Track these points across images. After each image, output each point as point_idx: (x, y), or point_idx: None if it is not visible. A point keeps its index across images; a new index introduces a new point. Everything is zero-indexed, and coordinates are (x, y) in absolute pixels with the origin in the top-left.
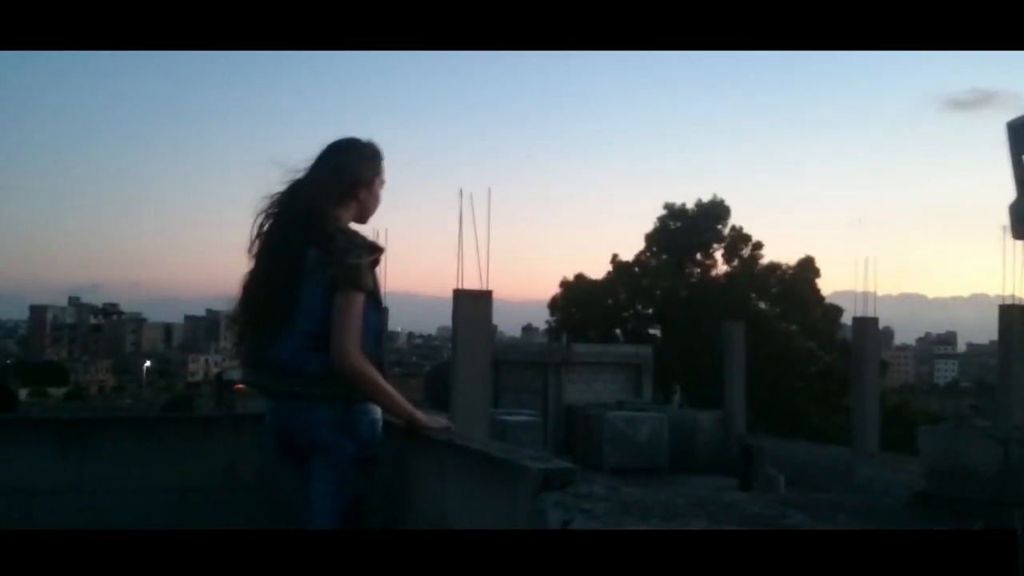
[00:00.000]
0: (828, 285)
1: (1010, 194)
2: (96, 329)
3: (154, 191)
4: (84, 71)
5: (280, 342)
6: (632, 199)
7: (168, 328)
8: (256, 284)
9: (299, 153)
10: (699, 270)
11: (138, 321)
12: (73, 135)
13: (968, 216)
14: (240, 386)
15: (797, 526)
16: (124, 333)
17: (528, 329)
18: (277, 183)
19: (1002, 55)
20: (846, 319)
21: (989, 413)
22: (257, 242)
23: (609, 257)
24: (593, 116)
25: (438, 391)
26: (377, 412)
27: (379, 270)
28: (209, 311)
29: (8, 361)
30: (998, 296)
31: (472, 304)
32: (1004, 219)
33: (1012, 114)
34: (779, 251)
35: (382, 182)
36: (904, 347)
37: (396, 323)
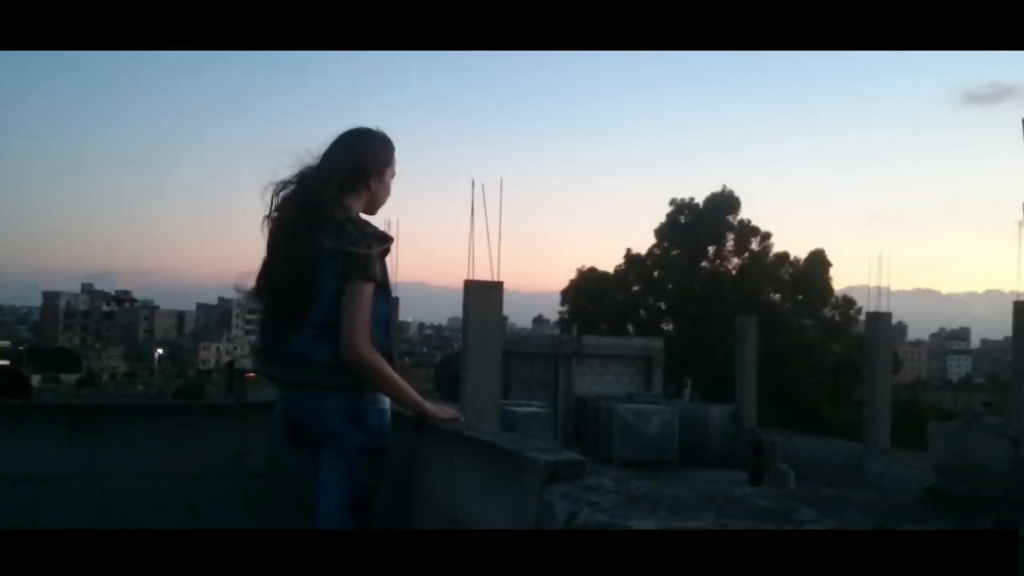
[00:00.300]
0: (842, 280)
1: None
2: (109, 316)
3: (167, 180)
4: (99, 62)
5: (291, 332)
6: (645, 191)
7: (180, 316)
8: (268, 274)
9: (312, 143)
10: (710, 263)
11: (150, 309)
12: (87, 125)
13: (984, 211)
14: (251, 374)
15: (804, 522)
16: (137, 320)
17: (539, 320)
18: (288, 172)
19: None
20: (860, 314)
21: (1003, 409)
22: (268, 231)
23: (621, 250)
24: (607, 109)
25: (448, 382)
26: (386, 402)
27: (389, 260)
28: (221, 299)
29: (21, 347)
30: (1013, 292)
31: (483, 295)
32: (1020, 214)
33: None
34: (793, 246)
35: (393, 173)
36: (917, 343)
37: (407, 313)
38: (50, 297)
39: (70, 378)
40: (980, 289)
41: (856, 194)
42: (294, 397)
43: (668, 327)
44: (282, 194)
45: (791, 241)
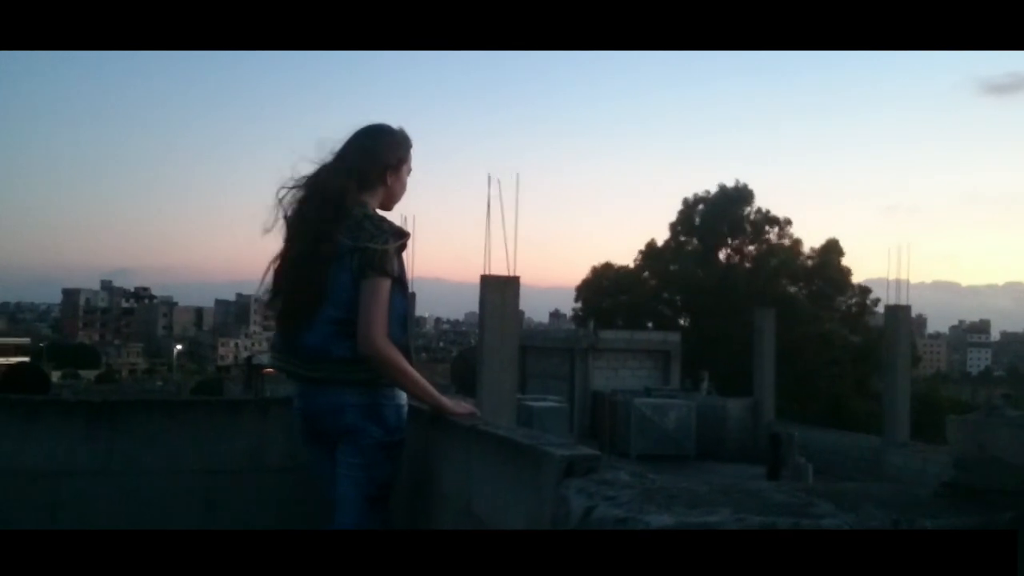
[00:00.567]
0: (860, 273)
1: None
2: (128, 312)
3: (186, 178)
4: (119, 61)
5: (308, 327)
6: (663, 185)
7: (199, 312)
8: (285, 269)
9: (328, 140)
10: (726, 256)
11: (169, 305)
12: (107, 124)
13: (1004, 203)
14: (269, 370)
15: (820, 516)
16: (156, 317)
17: (555, 315)
18: (305, 167)
19: None
20: (879, 307)
21: (1022, 402)
22: (284, 226)
23: (638, 244)
24: (623, 104)
25: (465, 376)
26: (403, 397)
27: (406, 255)
28: (239, 295)
29: (41, 344)
30: None
31: (500, 290)
32: None
33: None
34: (810, 238)
35: (409, 169)
36: (937, 335)
37: (424, 308)
38: (70, 294)
39: (90, 374)
40: (1000, 282)
41: (874, 186)
42: (311, 393)
43: (685, 322)
44: (299, 189)
45: (809, 234)
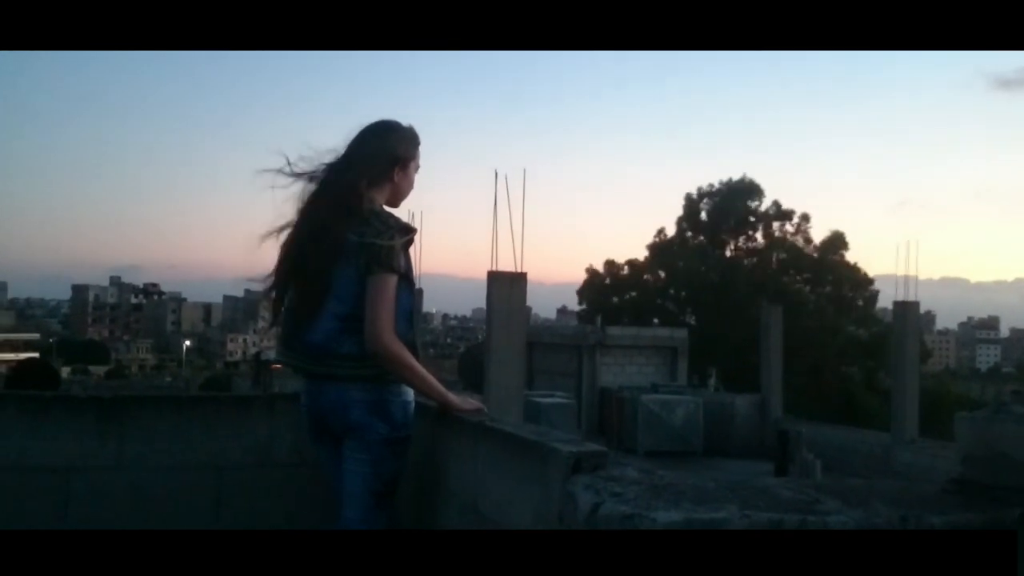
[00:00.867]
0: (869, 268)
1: None
2: (137, 309)
3: (194, 174)
4: (125, 58)
5: (314, 323)
6: (670, 181)
7: (208, 308)
8: (291, 265)
9: (335, 137)
10: (731, 251)
11: (178, 301)
12: (114, 119)
13: (1013, 198)
14: (277, 366)
15: (827, 513)
16: (164, 313)
17: (563, 311)
18: (310, 163)
19: None
20: (887, 303)
21: None
22: (293, 222)
23: (644, 240)
24: (630, 99)
25: (472, 373)
26: (410, 393)
27: (413, 251)
28: (248, 292)
29: (51, 340)
30: None
31: (507, 286)
32: None
33: None
34: (818, 233)
35: (417, 166)
36: (946, 331)
37: (431, 304)
38: (79, 290)
39: (99, 370)
40: (1009, 278)
41: (883, 181)
42: (318, 388)
43: (691, 319)
44: (306, 184)
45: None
